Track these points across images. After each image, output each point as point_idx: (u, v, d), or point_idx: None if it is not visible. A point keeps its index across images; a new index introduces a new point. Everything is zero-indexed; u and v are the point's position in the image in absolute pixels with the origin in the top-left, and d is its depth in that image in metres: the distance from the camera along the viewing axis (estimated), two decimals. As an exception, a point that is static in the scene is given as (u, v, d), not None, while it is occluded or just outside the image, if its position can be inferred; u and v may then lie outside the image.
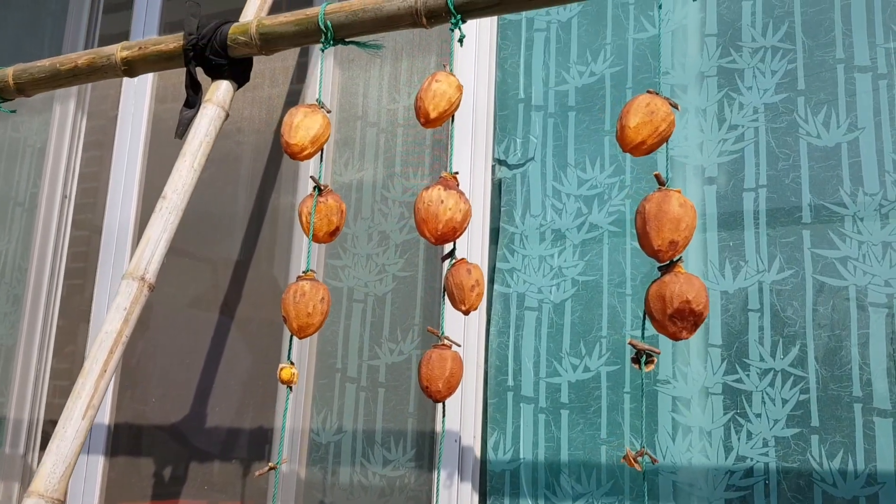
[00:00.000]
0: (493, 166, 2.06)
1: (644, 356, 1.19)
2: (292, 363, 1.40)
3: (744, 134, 1.84)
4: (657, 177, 1.18)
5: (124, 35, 2.65)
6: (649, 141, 1.19)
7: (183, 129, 1.59)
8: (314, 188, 1.44)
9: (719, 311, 1.78)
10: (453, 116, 1.38)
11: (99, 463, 2.30)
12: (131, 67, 1.66)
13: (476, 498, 1.87)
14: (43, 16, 2.90)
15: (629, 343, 1.18)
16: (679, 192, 1.17)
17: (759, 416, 1.70)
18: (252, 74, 1.69)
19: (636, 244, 1.87)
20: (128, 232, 2.42)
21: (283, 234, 2.34)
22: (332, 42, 1.48)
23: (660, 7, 1.21)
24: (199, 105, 1.60)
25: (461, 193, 1.32)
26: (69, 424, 1.32)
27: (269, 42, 1.55)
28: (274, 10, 1.71)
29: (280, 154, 2.43)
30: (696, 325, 1.17)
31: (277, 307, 2.32)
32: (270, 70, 2.47)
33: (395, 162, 2.22)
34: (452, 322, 1.93)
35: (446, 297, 1.37)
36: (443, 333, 1.36)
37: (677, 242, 1.16)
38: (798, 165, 1.78)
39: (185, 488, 2.25)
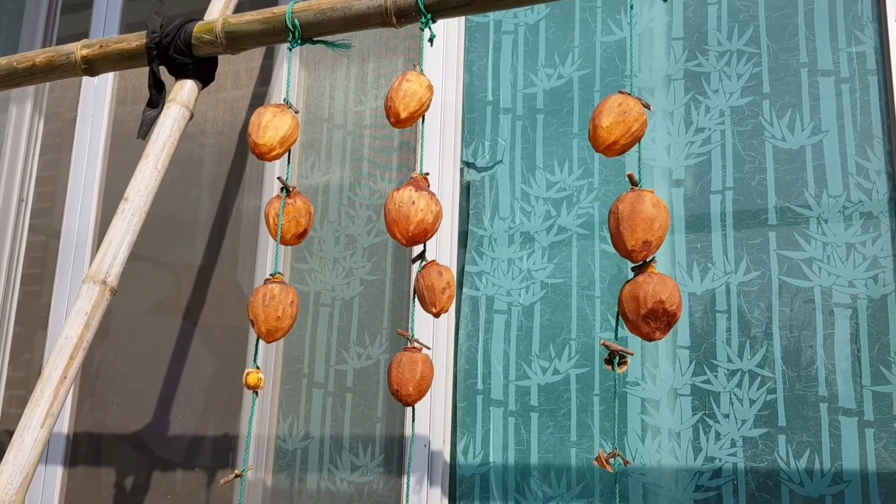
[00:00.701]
0: (462, 169, 2.05)
1: (617, 357, 1.19)
2: (258, 368, 1.38)
3: (710, 136, 1.86)
4: (630, 177, 1.18)
5: (83, 36, 2.58)
6: (622, 141, 1.19)
7: (146, 129, 1.55)
8: (282, 189, 1.41)
9: (687, 313, 1.78)
10: (423, 117, 1.36)
11: (58, 473, 2.24)
12: (92, 66, 1.62)
13: (446, 502, 1.85)
14: (-2, 15, 2.83)
15: (602, 344, 1.18)
16: (652, 192, 1.17)
17: (727, 416, 1.71)
18: (216, 75, 1.66)
19: (605, 246, 1.88)
20: (87, 236, 2.37)
21: (247, 238, 2.31)
22: (299, 41, 1.45)
23: (631, 7, 1.21)
24: (163, 105, 1.57)
25: (432, 194, 1.30)
26: (27, 433, 1.28)
27: (235, 41, 1.53)
28: (239, 9, 1.68)
29: (244, 157, 2.39)
30: (669, 326, 1.17)
31: (241, 312, 2.28)
32: (234, 72, 2.44)
33: (362, 165, 2.20)
34: (421, 325, 1.92)
35: (416, 299, 1.35)
36: (413, 336, 1.34)
37: (651, 242, 1.16)
38: (764, 168, 1.80)
39: (148, 498, 2.20)
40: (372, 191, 2.17)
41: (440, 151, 2.04)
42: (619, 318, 1.19)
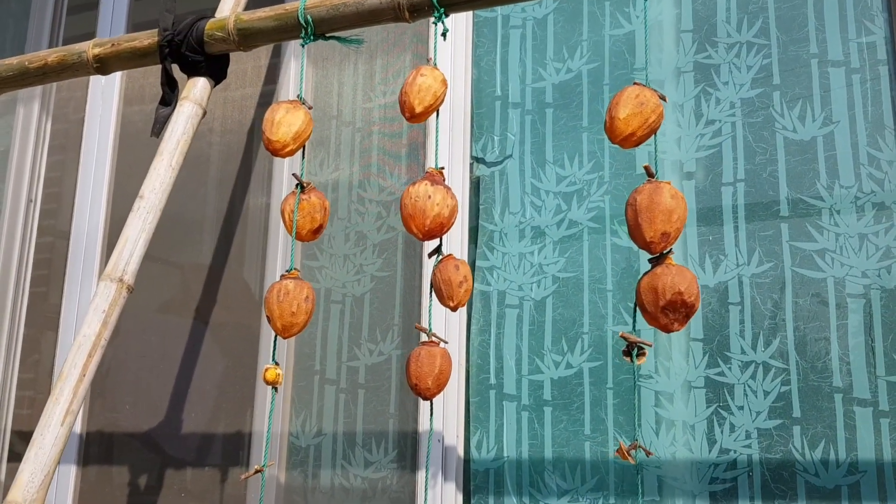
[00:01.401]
0: (471, 164, 2.05)
1: (636, 349, 1.19)
2: (277, 364, 1.38)
3: (721, 129, 1.86)
4: (647, 168, 1.18)
5: (90, 37, 2.58)
6: (639, 132, 1.19)
7: (159, 127, 1.55)
8: (297, 185, 1.42)
9: (700, 306, 1.78)
10: (438, 111, 1.36)
11: (71, 473, 2.24)
12: (104, 65, 1.62)
13: (460, 497, 1.85)
14: (4, 17, 2.83)
15: (621, 336, 1.18)
16: (670, 183, 1.17)
17: (741, 408, 1.71)
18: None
19: (616, 240, 1.88)
20: (97, 236, 2.37)
21: (255, 236, 2.31)
22: (312, 37, 1.45)
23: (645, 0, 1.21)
24: (176, 103, 1.57)
25: (448, 188, 1.30)
26: (48, 431, 1.28)
27: (248, 38, 1.53)
28: (250, 6, 1.68)
29: (252, 155, 2.39)
30: (687, 317, 1.17)
31: (250, 310, 2.28)
32: (241, 70, 2.44)
33: (371, 161, 2.20)
34: (433, 321, 1.92)
35: (433, 293, 1.35)
36: (431, 330, 1.34)
37: (669, 234, 1.16)
38: (775, 159, 1.80)
39: (161, 496, 2.21)
40: (381, 187, 2.17)
41: (450, 147, 2.04)
42: (637, 309, 1.20)
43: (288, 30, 1.48)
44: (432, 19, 1.40)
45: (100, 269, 2.36)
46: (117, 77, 2.48)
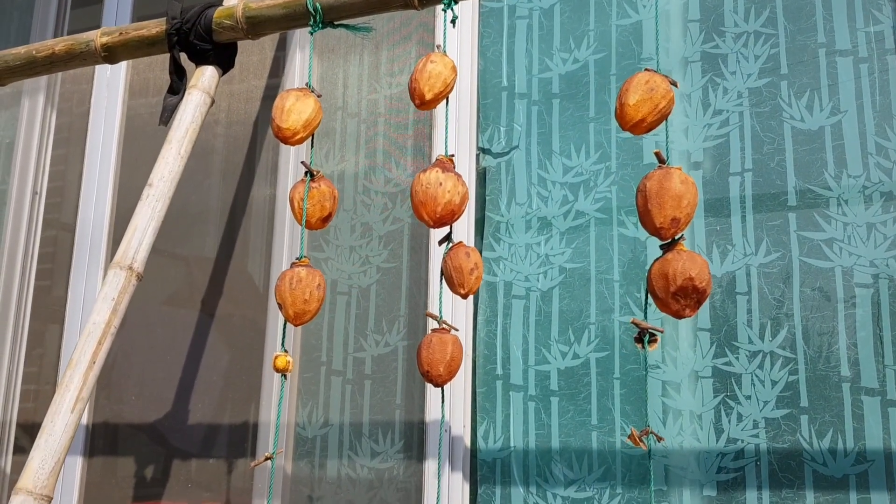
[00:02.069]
0: (478, 155, 2.05)
1: (647, 335, 1.19)
2: (286, 351, 1.38)
3: (728, 119, 1.85)
4: (657, 154, 1.18)
5: (94, 29, 2.59)
6: (649, 119, 1.19)
7: (168, 115, 1.55)
8: (306, 173, 1.42)
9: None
10: (448, 98, 1.36)
11: (77, 464, 2.24)
12: (112, 54, 1.62)
13: (467, 487, 1.85)
14: (9, 9, 2.83)
15: (632, 322, 1.18)
16: (680, 169, 1.17)
17: (748, 398, 1.71)
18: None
19: (623, 230, 1.88)
20: (103, 228, 2.37)
21: (261, 228, 2.31)
22: (321, 25, 1.45)
23: (657, -15, 1.20)
24: (184, 91, 1.57)
25: (459, 176, 1.30)
26: (58, 418, 1.28)
27: (256, 26, 1.53)
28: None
29: (257, 147, 2.39)
30: (699, 303, 1.17)
31: (256, 302, 2.28)
32: (246, 63, 2.43)
33: (376, 152, 2.20)
34: (439, 313, 1.91)
35: (444, 281, 1.35)
36: (441, 318, 1.34)
37: (679, 220, 1.16)
38: (783, 149, 1.80)
39: (168, 487, 2.21)
40: (387, 178, 2.17)
41: (456, 138, 2.04)
42: (648, 296, 1.20)
43: (296, 17, 1.48)
44: (441, 6, 1.39)
45: (105, 262, 2.36)
46: (122, 70, 2.47)
